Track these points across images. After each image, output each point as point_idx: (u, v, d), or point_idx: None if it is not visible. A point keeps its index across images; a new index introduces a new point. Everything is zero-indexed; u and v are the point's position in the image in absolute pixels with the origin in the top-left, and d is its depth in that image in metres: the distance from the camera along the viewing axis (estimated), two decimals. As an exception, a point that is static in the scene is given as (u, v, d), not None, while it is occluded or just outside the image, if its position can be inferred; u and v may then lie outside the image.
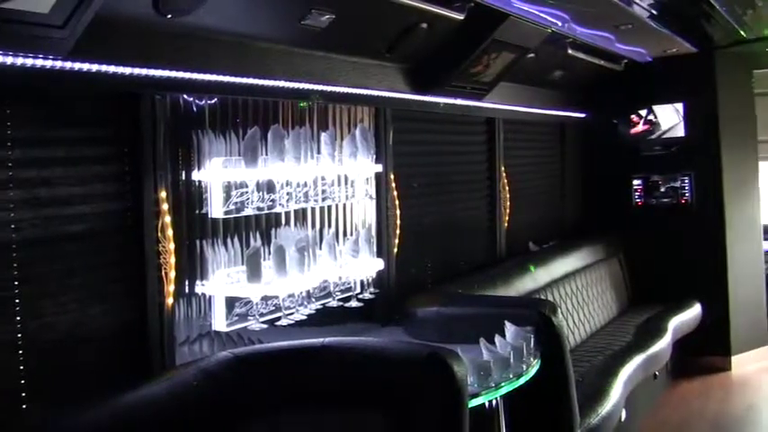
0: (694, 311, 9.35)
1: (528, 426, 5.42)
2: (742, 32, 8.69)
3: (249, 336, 4.93)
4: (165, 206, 4.37)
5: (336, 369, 4.12)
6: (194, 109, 4.64)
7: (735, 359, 9.62)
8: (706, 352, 9.61)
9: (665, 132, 9.92)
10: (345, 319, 5.78)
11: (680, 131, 9.83)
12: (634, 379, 7.07)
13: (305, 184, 5.20)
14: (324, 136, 5.44)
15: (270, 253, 4.97)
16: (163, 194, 4.36)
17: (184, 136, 4.59)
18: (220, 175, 4.64)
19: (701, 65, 9.67)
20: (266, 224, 5.16)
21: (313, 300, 5.32)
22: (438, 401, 3.96)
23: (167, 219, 4.38)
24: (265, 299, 4.90)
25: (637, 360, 7.27)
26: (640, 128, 9.99)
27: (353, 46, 5.56)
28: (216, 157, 4.66)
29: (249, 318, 4.87)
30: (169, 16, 3.97)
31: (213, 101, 4.74)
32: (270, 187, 4.91)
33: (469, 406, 4.12)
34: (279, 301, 4.99)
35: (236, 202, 4.71)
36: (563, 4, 6.38)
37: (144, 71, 4.07)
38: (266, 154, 4.91)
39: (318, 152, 5.37)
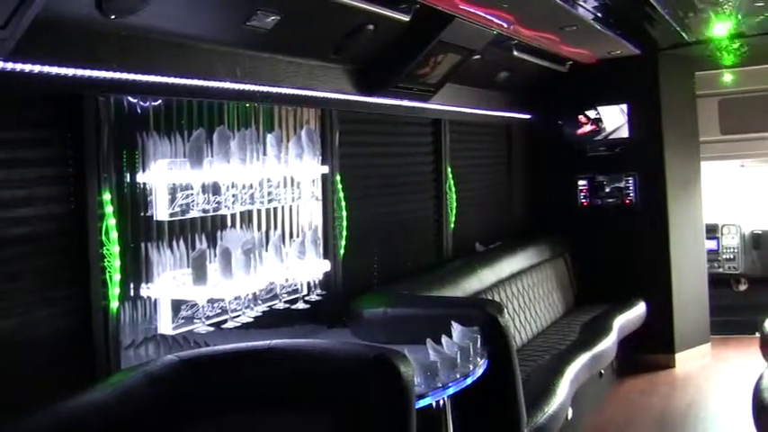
0: (639, 310, 9.45)
1: (475, 425, 5.44)
2: (684, 35, 8.81)
3: (195, 339, 4.89)
4: (109, 208, 4.32)
5: (283, 371, 4.11)
6: (139, 110, 4.59)
7: (678, 356, 9.76)
8: (650, 350, 9.73)
9: (610, 133, 10.01)
10: (292, 321, 5.76)
11: (624, 132, 9.93)
12: (580, 377, 7.13)
13: (251, 186, 5.18)
14: (270, 137, 5.42)
15: (216, 255, 4.93)
16: (107, 197, 4.31)
17: (129, 137, 4.54)
18: (165, 176, 4.60)
19: (644, 67, 9.78)
20: (212, 226, 5.13)
21: (259, 302, 5.29)
22: (385, 402, 3.96)
23: (112, 221, 4.34)
24: (211, 301, 4.88)
25: (583, 359, 7.32)
26: (588, 128, 10.07)
27: (299, 47, 5.54)
28: (161, 158, 4.62)
29: (195, 321, 4.84)
30: (113, 17, 3.93)
31: (158, 102, 4.70)
32: (215, 189, 4.89)
33: (417, 407, 4.13)
34: (225, 303, 4.97)
35: (181, 205, 4.68)
36: (508, 6, 6.42)
37: (87, 72, 4.02)
38: (212, 156, 4.88)
39: (264, 154, 5.35)
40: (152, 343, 4.71)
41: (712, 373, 9.51)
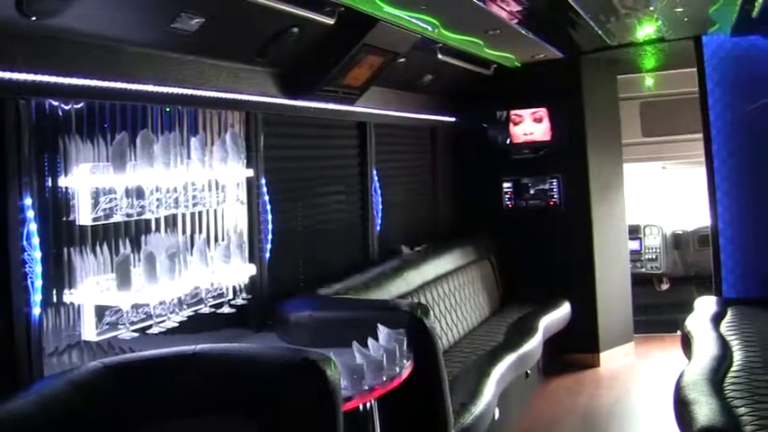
0: (564, 310, 9.56)
1: (403, 428, 5.46)
2: (606, 39, 8.93)
3: (120, 345, 4.84)
4: (30, 213, 4.26)
5: (209, 376, 4.09)
6: (60, 114, 4.53)
7: (603, 355, 9.89)
8: (575, 349, 9.85)
9: (536, 135, 10.10)
10: (218, 325, 5.73)
11: (548, 135, 10.04)
12: (506, 378, 7.18)
13: (175, 190, 5.14)
14: (194, 141, 5.38)
15: (140, 260, 4.88)
16: (28, 201, 4.24)
17: (50, 141, 4.47)
18: (88, 181, 4.54)
19: (567, 70, 9.90)
20: (136, 231, 5.08)
21: (184, 307, 5.25)
22: (312, 406, 3.96)
23: (33, 226, 4.27)
24: (136, 307, 4.82)
25: (509, 359, 7.38)
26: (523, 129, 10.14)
27: (224, 50, 5.52)
28: (83, 162, 4.56)
29: (119, 326, 4.78)
30: (34, 18, 3.88)
31: (80, 105, 4.63)
32: (139, 193, 4.84)
33: (343, 410, 4.13)
34: (150, 308, 4.92)
35: (104, 209, 4.62)
36: (432, 9, 6.46)
37: (7, 75, 3.96)
38: (135, 159, 4.82)
39: (188, 157, 5.31)
40: (76, 350, 4.65)
41: (636, 371, 9.66)
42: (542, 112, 10.03)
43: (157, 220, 5.22)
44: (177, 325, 5.14)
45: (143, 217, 4.94)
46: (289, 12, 5.36)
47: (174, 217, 5.39)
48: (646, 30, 8.59)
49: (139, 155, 4.84)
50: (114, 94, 4.73)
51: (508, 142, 10.18)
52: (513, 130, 10.14)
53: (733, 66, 8.91)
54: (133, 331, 4.82)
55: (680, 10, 7.55)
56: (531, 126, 10.08)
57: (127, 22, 4.59)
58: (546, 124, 10.02)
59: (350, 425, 4.42)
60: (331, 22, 5.84)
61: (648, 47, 9.49)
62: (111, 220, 4.71)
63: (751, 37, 8.69)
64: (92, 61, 4.52)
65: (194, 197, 5.34)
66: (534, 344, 8.12)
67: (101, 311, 4.69)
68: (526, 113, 10.08)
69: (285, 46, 5.87)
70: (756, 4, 6.77)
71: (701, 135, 9.12)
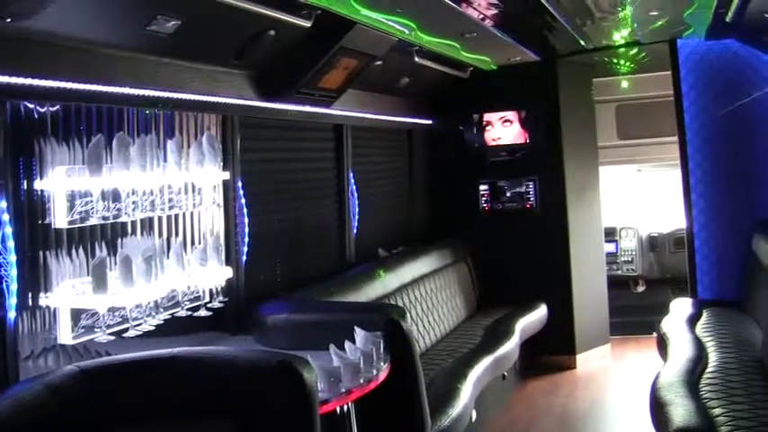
0: (540, 312, 9.59)
1: (380, 430, 5.46)
2: (582, 42, 8.97)
3: (96, 348, 4.81)
4: (5, 216, 4.23)
5: (185, 379, 4.07)
6: (36, 116, 4.51)
7: (579, 357, 9.94)
8: (552, 351, 9.89)
9: (513, 138, 10.13)
10: (195, 328, 5.71)
11: (524, 137, 10.06)
12: (483, 380, 7.20)
13: (151, 193, 5.12)
14: (170, 144, 5.36)
15: (116, 263, 4.87)
16: (3, 204, 4.21)
17: (26, 144, 4.45)
18: (64, 183, 4.52)
19: (543, 73, 9.93)
20: (112, 234, 5.05)
21: (161, 310, 5.22)
22: (289, 409, 3.95)
23: (8, 229, 4.24)
24: (112, 310, 4.80)
25: (486, 361, 7.40)
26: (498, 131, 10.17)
27: (200, 53, 5.51)
28: (59, 165, 4.54)
29: (96, 330, 4.76)
30: (8, 20, 3.85)
31: (56, 108, 4.61)
32: (115, 196, 4.82)
33: (320, 412, 4.13)
34: (126, 312, 4.89)
35: (80, 212, 4.60)
36: (409, 12, 6.46)
37: (-19, 77, 3.94)
38: (111, 162, 4.80)
39: (165, 160, 5.29)
40: (52, 353, 4.62)
41: (612, 373, 9.71)
42: (517, 114, 10.05)
43: (134, 223, 5.20)
44: (154, 328, 5.11)
45: (119, 220, 4.92)
46: (265, 14, 5.35)
47: (151, 220, 5.37)
48: (621, 33, 8.63)
49: (115, 157, 4.82)
50: (90, 97, 4.70)
51: (484, 145, 10.20)
52: (489, 132, 10.16)
53: (707, 69, 8.98)
54: (109, 334, 4.80)
55: (655, 13, 7.60)
56: (505, 129, 10.10)
57: (103, 24, 4.57)
58: (520, 127, 10.04)
59: (327, 428, 4.42)
60: (308, 24, 5.84)
61: (624, 50, 9.55)
62: (87, 223, 4.68)
63: (725, 40, 8.77)
64: (67, 63, 4.50)
65: (171, 200, 5.33)
66: (511, 346, 8.14)
67: (77, 315, 4.66)
68: (501, 116, 10.10)
69: (262, 49, 5.87)
70: (730, 8, 6.81)
71: (676, 138, 9.19)
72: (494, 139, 10.16)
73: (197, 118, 5.91)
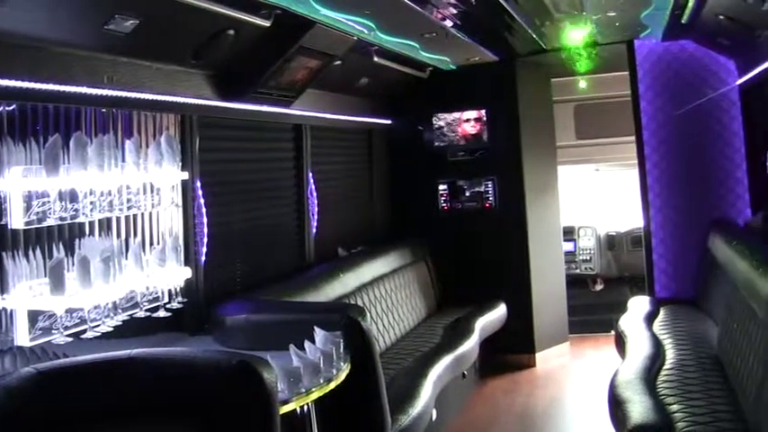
0: (500, 311, 9.64)
1: (340, 430, 5.46)
2: (541, 43, 9.03)
3: (54, 350, 4.77)
4: (-40, 218, 4.20)
5: (144, 381, 4.05)
6: (-9, 116, 4.47)
7: (539, 356, 10.00)
8: (512, 350, 9.95)
9: (472, 138, 10.16)
10: (153, 329, 5.68)
11: (484, 137, 10.10)
12: (443, 379, 7.23)
13: (109, 193, 5.08)
14: (128, 144, 5.32)
15: (74, 264, 4.83)
16: (-42, 205, 4.18)
17: (-19, 144, 4.41)
18: (20, 184, 4.48)
19: (502, 73, 9.98)
20: (69, 234, 5.01)
21: (119, 311, 5.19)
22: (248, 409, 3.94)
23: (-37, 230, 4.21)
24: (70, 311, 4.76)
25: (445, 360, 7.43)
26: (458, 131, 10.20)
27: (159, 52, 5.48)
28: (15, 165, 4.50)
29: (53, 331, 4.72)
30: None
31: (12, 107, 4.57)
32: (73, 196, 4.78)
33: (281, 413, 4.12)
34: (84, 313, 4.86)
35: (37, 213, 4.56)
36: (368, 12, 6.47)
37: (-64, 77, 3.90)
38: (68, 162, 4.77)
39: (123, 160, 5.26)
40: (8, 355, 4.58)
41: (571, 371, 9.78)
42: (476, 114, 10.09)
43: (91, 224, 5.16)
44: (112, 329, 5.08)
45: (77, 220, 4.88)
46: (224, 14, 5.34)
47: (109, 220, 5.33)
48: (579, 34, 8.69)
49: (73, 157, 4.78)
50: (47, 96, 4.67)
51: (443, 144, 10.23)
52: (448, 132, 10.19)
53: (664, 70, 9.07)
54: (67, 336, 4.76)
55: (612, 14, 7.66)
56: (464, 129, 10.14)
57: (59, 24, 4.54)
58: (479, 127, 10.08)
59: (287, 428, 4.41)
60: (267, 24, 5.83)
61: (582, 51, 9.61)
62: (45, 224, 4.64)
63: (681, 42, 8.86)
64: (23, 62, 4.46)
65: (129, 200, 5.29)
66: (471, 345, 8.18)
67: (34, 316, 4.62)
68: (460, 116, 10.13)
69: (221, 48, 5.85)
70: (686, 9, 6.88)
71: (633, 138, 9.27)
72: (453, 139, 10.19)
73: (155, 118, 5.87)
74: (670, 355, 6.70)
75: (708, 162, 8.91)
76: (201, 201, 6.36)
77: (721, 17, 6.76)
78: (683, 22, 7.35)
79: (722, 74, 8.78)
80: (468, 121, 10.12)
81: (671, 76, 9.04)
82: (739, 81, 8.53)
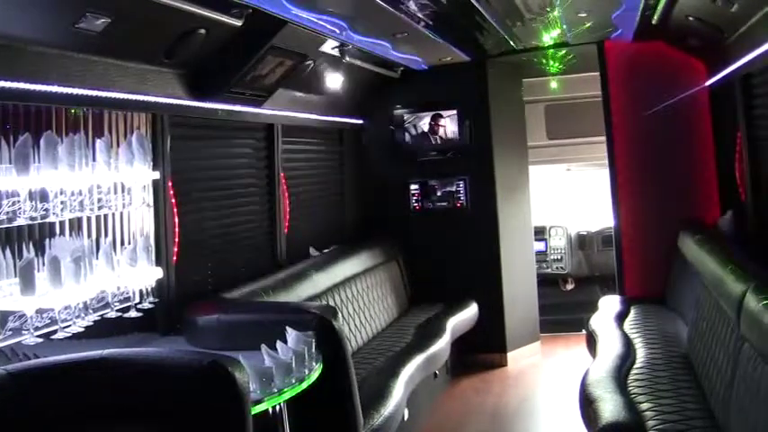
0: (471, 311, 9.67)
1: (312, 430, 5.46)
2: (512, 43, 9.07)
3: (24, 351, 4.74)
4: (-71, 217, 4.16)
5: (115, 381, 4.03)
6: (-39, 115, 4.44)
7: (510, 355, 10.04)
8: (483, 349, 9.98)
9: (443, 138, 10.18)
10: (125, 329, 5.65)
11: (456, 137, 10.12)
12: (415, 378, 7.24)
13: (80, 193, 5.04)
14: (99, 143, 5.29)
15: (44, 264, 4.80)
16: (-73, 205, 4.15)
17: (-50, 143, 4.38)
18: (-10, 183, 4.45)
19: (474, 73, 10.01)
20: (40, 234, 4.98)
21: (90, 311, 5.15)
22: (221, 410, 3.94)
23: (-68, 230, 4.17)
24: (40, 312, 4.73)
25: (417, 360, 7.44)
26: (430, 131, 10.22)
27: (130, 51, 5.45)
28: (-15, 165, 4.47)
29: (23, 332, 4.68)
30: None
31: (-19, 106, 4.55)
32: (43, 196, 4.74)
33: (253, 413, 4.12)
34: (54, 313, 4.83)
35: (7, 212, 4.52)
36: (341, 12, 6.47)
37: None
38: (39, 162, 4.73)
39: (94, 160, 5.22)
40: (-23, 356, 4.56)
41: (542, 370, 9.82)
42: (448, 114, 10.11)
43: (62, 224, 5.13)
44: (83, 330, 5.05)
45: (47, 220, 4.84)
46: (196, 13, 5.32)
47: (80, 220, 5.30)
48: (550, 34, 8.72)
49: (43, 157, 4.75)
50: (16, 95, 4.64)
51: (415, 144, 10.24)
52: (420, 132, 10.21)
53: (634, 70, 9.14)
54: (37, 337, 4.72)
55: (583, 15, 7.70)
56: (435, 128, 10.16)
57: (30, 22, 4.51)
58: (450, 127, 10.11)
59: (259, 428, 4.41)
60: (239, 23, 5.82)
61: (553, 51, 9.66)
62: (15, 224, 4.60)
63: (651, 43, 8.91)
64: (-8, 61, 4.44)
65: (100, 200, 5.25)
66: (442, 344, 8.20)
67: (4, 317, 4.59)
68: (432, 116, 10.15)
69: (193, 47, 5.83)
70: (656, 10, 6.92)
71: (604, 137, 9.32)
72: (424, 139, 10.20)
73: (126, 117, 5.84)
74: (640, 353, 6.74)
75: (677, 162, 8.98)
76: (173, 200, 6.33)
77: (691, 18, 6.81)
78: (653, 23, 7.40)
79: (691, 75, 8.85)
80: (439, 120, 10.14)
81: (641, 76, 9.10)
82: (708, 82, 8.60)
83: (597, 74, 9.41)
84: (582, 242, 11.57)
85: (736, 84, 7.18)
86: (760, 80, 6.61)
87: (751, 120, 6.97)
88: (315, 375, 5.07)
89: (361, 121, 10.28)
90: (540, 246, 11.27)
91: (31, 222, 4.73)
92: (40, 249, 4.93)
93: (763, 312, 4.48)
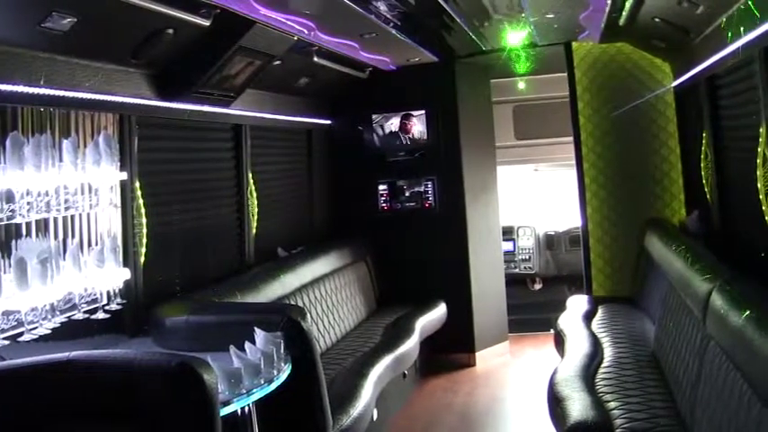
0: (440, 311, 9.68)
1: (282, 430, 5.45)
2: (480, 44, 9.10)
3: (-10, 353, 4.72)
4: None
5: (83, 384, 4.01)
6: (-75, 115, 4.39)
7: (479, 355, 10.07)
8: (452, 349, 10.01)
9: (412, 138, 10.19)
10: (92, 331, 5.61)
11: (424, 137, 10.14)
12: (384, 379, 7.25)
13: (46, 194, 5.02)
14: (66, 143, 5.26)
15: (10, 265, 4.76)
16: None
17: None
18: (-45, 184, 4.42)
19: (442, 74, 10.03)
20: (6, 235, 4.94)
21: (57, 313, 5.12)
22: (189, 411, 3.93)
23: None
24: (6, 314, 4.69)
25: (386, 360, 7.45)
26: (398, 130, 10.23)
27: (97, 50, 5.42)
28: (-50, 165, 4.44)
29: (-11, 334, 4.66)
30: None
31: (-54, 107, 4.50)
32: (9, 197, 4.71)
33: (222, 414, 4.11)
34: (21, 315, 4.79)
35: (-28, 214, 4.50)
36: (308, 12, 6.46)
37: None
38: (4, 162, 4.70)
39: (60, 160, 5.19)
40: (-57, 358, 4.52)
41: (511, 370, 9.86)
42: (416, 114, 10.13)
43: (28, 225, 5.08)
44: (50, 332, 5.02)
45: (13, 221, 4.80)
46: (163, 12, 5.30)
47: (46, 221, 5.25)
48: (518, 35, 8.76)
49: (9, 157, 4.71)
50: (-18, 96, 4.61)
51: (383, 144, 10.25)
52: (388, 132, 10.22)
53: (601, 71, 9.20)
54: (4, 339, 4.69)
55: (551, 16, 7.74)
56: (404, 129, 10.17)
57: (-5, 22, 4.48)
58: (419, 127, 10.12)
59: (228, 429, 4.40)
60: (207, 23, 5.80)
61: (520, 52, 9.70)
62: (-20, 225, 4.58)
63: (618, 44, 8.97)
64: (-42, 61, 4.40)
65: (67, 201, 5.23)
66: (411, 344, 8.20)
67: (-30, 319, 4.56)
68: (400, 116, 10.17)
69: (160, 47, 5.81)
70: (623, 12, 6.97)
71: (571, 138, 9.37)
72: (392, 139, 10.21)
73: (93, 117, 5.80)
74: (608, 352, 6.78)
75: (644, 162, 9.04)
76: (140, 201, 6.30)
77: (657, 20, 6.85)
78: (620, 24, 7.44)
79: (658, 76, 8.92)
80: (407, 121, 10.16)
81: (608, 77, 9.17)
82: (674, 83, 8.66)
83: (565, 74, 9.46)
84: (550, 242, 11.63)
85: (701, 84, 7.24)
86: (725, 81, 6.66)
87: (716, 120, 7.02)
88: (283, 376, 5.06)
89: (329, 122, 10.27)
90: (508, 246, 11.32)
91: (-4, 223, 4.70)
92: (7, 251, 4.89)
93: (728, 311, 4.52)
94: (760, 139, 5.47)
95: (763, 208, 5.55)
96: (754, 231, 5.93)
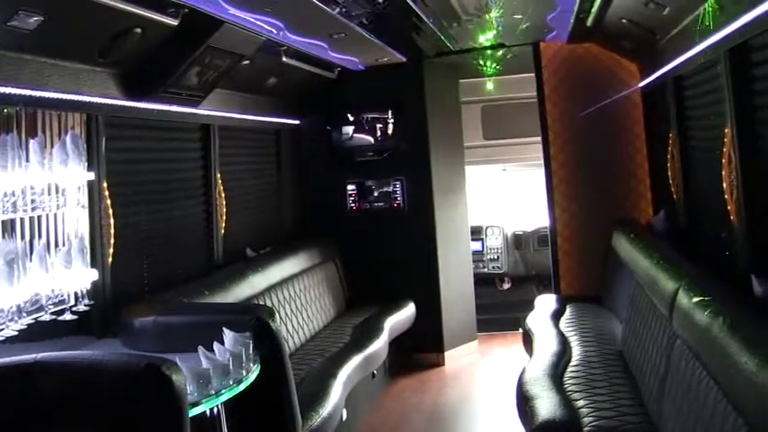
0: (408, 311, 9.69)
1: (251, 431, 5.44)
2: (448, 44, 9.12)
3: (-45, 354, 4.68)
4: None
5: (50, 386, 3.99)
6: None
7: (447, 354, 10.09)
8: (421, 349, 10.03)
9: (380, 138, 10.20)
10: (59, 332, 5.59)
11: (392, 137, 10.14)
12: (353, 379, 7.25)
13: (12, 194, 4.98)
14: (32, 143, 5.22)
15: (-24, 266, 4.73)
16: None
17: None
18: None
19: (411, 74, 10.04)
20: (-28, 236, 4.91)
21: (24, 314, 5.08)
22: (158, 412, 3.92)
23: None
24: (-28, 315, 4.67)
25: (355, 360, 7.45)
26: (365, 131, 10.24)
27: (64, 50, 5.38)
28: None
29: (-45, 335, 4.62)
30: None
31: None
32: (-25, 197, 4.68)
33: (190, 414, 4.10)
34: (-13, 316, 4.77)
35: (-63, 214, 4.46)
36: (277, 12, 6.45)
37: None
38: (-30, 162, 4.68)
39: (27, 160, 5.16)
40: None
41: (480, 369, 9.89)
42: (385, 115, 10.13)
43: (-6, 225, 5.06)
44: (16, 333, 4.99)
45: (-21, 222, 4.78)
46: (131, 12, 5.27)
47: (13, 221, 5.22)
48: (486, 35, 8.79)
49: (-25, 158, 4.69)
50: (-53, 95, 4.57)
51: (351, 144, 10.25)
52: (356, 132, 10.22)
53: (569, 72, 9.25)
54: (-31, 340, 4.67)
55: (519, 17, 7.77)
56: (372, 129, 10.18)
57: (-40, 21, 4.44)
58: (387, 127, 10.13)
59: (197, 430, 4.38)
60: (175, 23, 5.78)
61: (489, 52, 9.73)
62: (-55, 226, 4.54)
63: (586, 44, 9.02)
64: None
65: (33, 201, 5.19)
66: (380, 344, 8.22)
67: (-65, 320, 4.52)
68: (369, 116, 10.17)
69: (128, 46, 5.78)
70: (590, 13, 7.01)
71: (539, 138, 9.41)
72: (361, 139, 10.22)
73: (60, 117, 5.77)
74: (576, 351, 6.82)
75: (611, 162, 9.10)
76: (108, 201, 6.26)
77: (624, 21, 6.90)
78: (587, 25, 7.49)
79: (625, 76, 8.97)
80: (376, 121, 10.16)
81: (576, 77, 9.22)
82: (641, 84, 8.71)
83: (533, 75, 9.50)
84: (518, 242, 11.68)
85: (668, 85, 7.29)
86: (691, 82, 6.71)
87: (683, 120, 7.08)
88: (252, 377, 5.05)
89: (298, 122, 10.25)
90: (476, 245, 11.35)
91: (-38, 224, 4.66)
92: (-28, 251, 4.86)
93: (694, 309, 4.57)
94: (725, 140, 5.53)
95: (729, 207, 5.61)
96: (719, 230, 5.98)
